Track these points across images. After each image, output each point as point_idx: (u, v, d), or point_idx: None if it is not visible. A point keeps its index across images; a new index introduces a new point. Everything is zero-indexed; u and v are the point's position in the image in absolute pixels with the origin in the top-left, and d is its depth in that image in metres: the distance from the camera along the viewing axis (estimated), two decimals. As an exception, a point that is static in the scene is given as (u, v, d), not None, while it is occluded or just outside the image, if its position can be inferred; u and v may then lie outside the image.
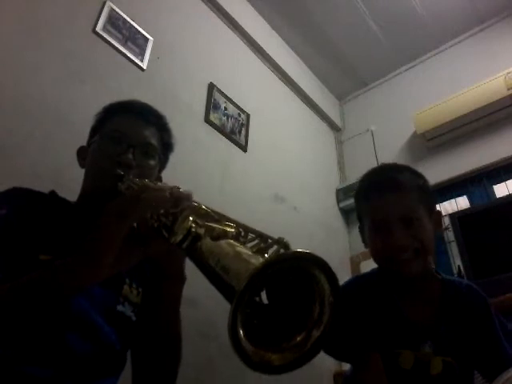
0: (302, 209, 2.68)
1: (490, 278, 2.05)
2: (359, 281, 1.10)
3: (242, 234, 0.50)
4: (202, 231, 0.50)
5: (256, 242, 0.48)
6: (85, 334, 0.74)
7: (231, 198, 2.15)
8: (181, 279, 0.77)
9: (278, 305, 0.45)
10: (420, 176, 1.05)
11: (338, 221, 3.05)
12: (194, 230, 0.51)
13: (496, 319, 0.99)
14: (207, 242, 0.49)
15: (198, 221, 0.52)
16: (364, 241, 1.08)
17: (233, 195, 2.17)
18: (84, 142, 1.00)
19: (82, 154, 0.97)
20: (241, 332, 0.39)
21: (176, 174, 1.51)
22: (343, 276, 2.74)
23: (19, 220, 0.76)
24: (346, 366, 2.35)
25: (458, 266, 2.26)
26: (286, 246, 0.43)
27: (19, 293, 0.60)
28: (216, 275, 0.44)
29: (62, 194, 0.93)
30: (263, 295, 0.46)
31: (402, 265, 0.94)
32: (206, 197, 2.00)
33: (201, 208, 0.56)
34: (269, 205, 2.42)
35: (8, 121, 1.39)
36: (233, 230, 0.50)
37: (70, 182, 1.09)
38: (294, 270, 0.42)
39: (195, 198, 0.60)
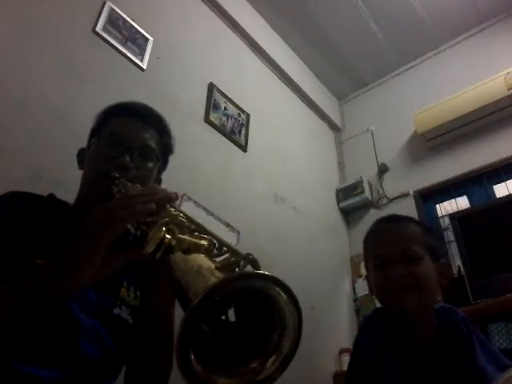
0: (302, 209, 2.68)
1: (489, 278, 2.05)
2: (369, 331, 1.07)
3: (216, 245, 0.50)
4: (174, 243, 0.49)
5: (227, 255, 0.47)
6: (87, 338, 0.74)
7: (231, 197, 2.15)
8: None
9: (241, 327, 0.44)
10: (425, 227, 1.10)
11: (337, 221, 3.04)
12: (166, 240, 0.49)
13: (477, 345, 0.98)
14: (178, 255, 0.48)
15: (174, 231, 0.51)
16: (370, 289, 1.11)
17: (233, 195, 2.17)
18: (84, 142, 0.99)
19: (81, 156, 0.97)
20: (190, 351, 0.37)
21: (176, 175, 1.50)
22: (343, 276, 2.77)
23: (15, 224, 0.75)
24: (346, 367, 2.35)
25: (458, 266, 2.26)
26: (252, 262, 0.42)
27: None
28: (180, 290, 0.43)
29: (62, 194, 0.93)
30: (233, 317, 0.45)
31: (398, 297, 0.97)
32: (206, 197, 1.99)
33: (178, 216, 0.54)
34: (269, 205, 2.42)
35: (8, 121, 1.39)
36: (206, 242, 0.49)
37: (70, 182, 1.09)
38: (256, 292, 0.41)
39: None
